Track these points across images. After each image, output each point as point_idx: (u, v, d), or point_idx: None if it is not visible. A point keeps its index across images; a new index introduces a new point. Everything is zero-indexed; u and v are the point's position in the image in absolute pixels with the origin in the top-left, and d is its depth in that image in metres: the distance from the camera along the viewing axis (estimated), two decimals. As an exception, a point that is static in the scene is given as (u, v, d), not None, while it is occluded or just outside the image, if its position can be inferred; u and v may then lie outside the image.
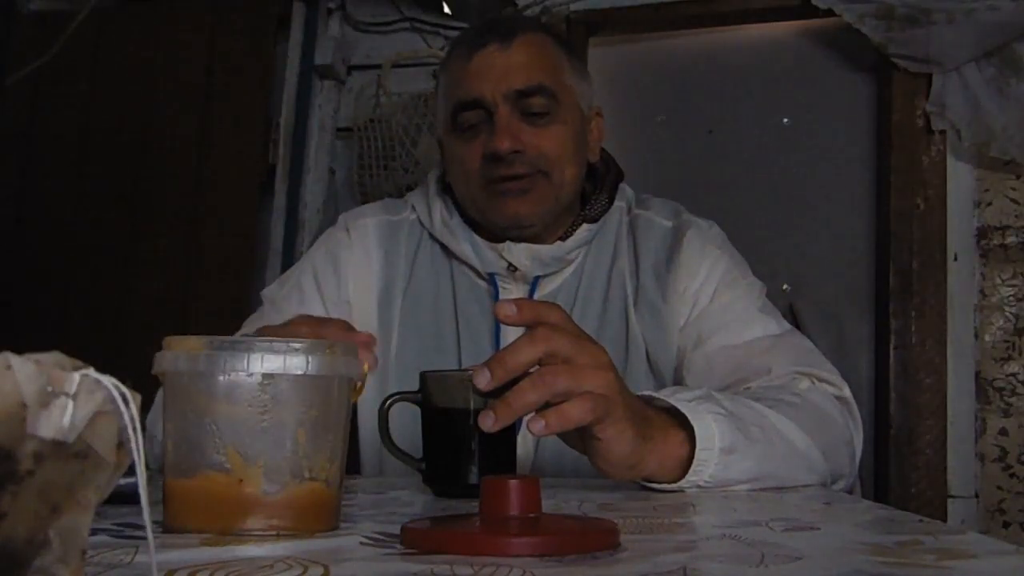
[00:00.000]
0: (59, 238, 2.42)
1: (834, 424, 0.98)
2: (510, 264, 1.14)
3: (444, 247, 1.19)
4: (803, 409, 0.95)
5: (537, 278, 1.14)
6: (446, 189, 1.21)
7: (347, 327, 0.83)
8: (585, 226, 1.16)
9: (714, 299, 1.12)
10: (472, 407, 0.84)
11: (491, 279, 1.15)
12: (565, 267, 1.16)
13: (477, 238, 1.16)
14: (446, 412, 0.85)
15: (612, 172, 1.22)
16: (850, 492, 1.03)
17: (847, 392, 1.03)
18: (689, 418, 0.80)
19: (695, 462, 0.80)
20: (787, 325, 1.13)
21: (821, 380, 1.02)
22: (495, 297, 1.14)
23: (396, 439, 0.88)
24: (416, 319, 1.16)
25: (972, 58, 1.94)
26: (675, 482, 0.81)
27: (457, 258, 1.17)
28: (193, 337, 0.55)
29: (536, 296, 1.14)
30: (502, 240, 1.15)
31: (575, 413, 0.72)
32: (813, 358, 1.06)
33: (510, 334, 1.12)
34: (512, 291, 1.15)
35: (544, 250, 1.14)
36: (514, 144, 1.08)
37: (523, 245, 1.14)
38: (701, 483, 0.81)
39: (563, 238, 1.16)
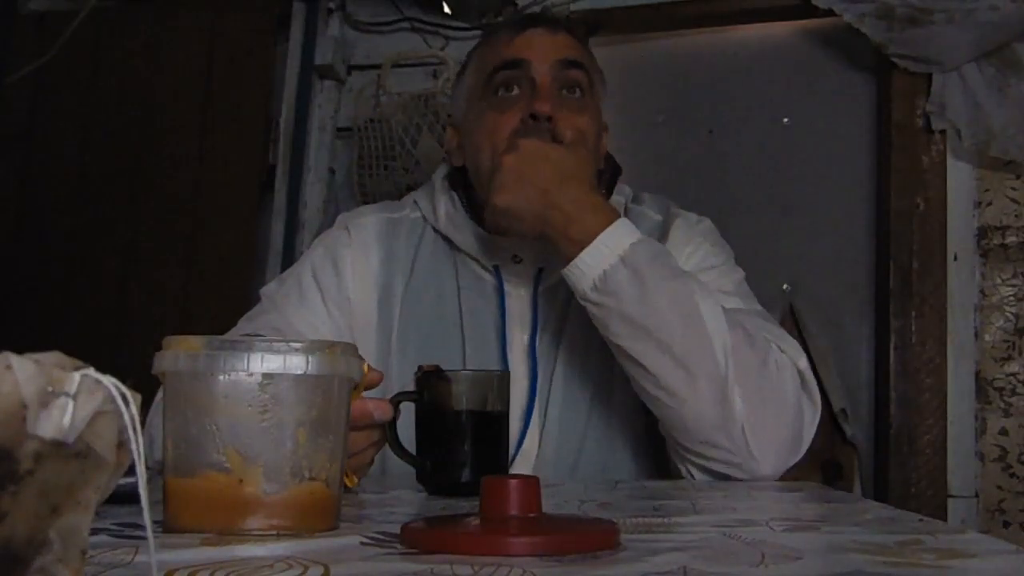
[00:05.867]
0: (59, 238, 2.42)
1: (774, 381, 0.99)
2: (515, 255, 1.15)
3: (448, 242, 1.19)
4: (749, 343, 0.99)
5: (541, 269, 1.15)
6: (452, 186, 1.21)
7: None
8: None
9: None
10: (464, 407, 0.85)
11: (496, 271, 1.15)
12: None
13: (482, 231, 1.16)
14: (439, 411, 0.85)
15: (610, 168, 1.24)
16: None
17: (804, 364, 1.04)
18: (618, 220, 1.00)
19: (603, 236, 0.97)
20: (758, 307, 1.14)
21: (782, 350, 1.03)
22: (500, 289, 1.15)
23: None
24: (418, 315, 1.16)
25: (972, 58, 1.94)
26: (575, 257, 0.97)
27: (461, 252, 1.18)
28: (193, 337, 0.55)
29: (540, 287, 1.15)
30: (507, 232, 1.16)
31: None
32: (779, 332, 1.07)
33: (515, 326, 1.13)
34: (516, 283, 1.16)
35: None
36: (553, 110, 1.11)
37: None
38: (595, 278, 0.97)
39: None
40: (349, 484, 0.77)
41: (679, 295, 0.97)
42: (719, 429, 0.97)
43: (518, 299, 1.15)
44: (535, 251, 1.15)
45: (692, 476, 1.03)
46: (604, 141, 1.23)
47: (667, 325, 0.95)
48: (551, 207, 1.00)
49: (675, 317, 0.96)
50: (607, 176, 1.22)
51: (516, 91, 1.14)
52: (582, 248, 0.98)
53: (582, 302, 1.00)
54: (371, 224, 1.21)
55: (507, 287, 1.15)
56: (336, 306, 1.16)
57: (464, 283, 1.17)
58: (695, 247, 1.16)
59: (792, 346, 1.05)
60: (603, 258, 0.97)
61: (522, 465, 1.08)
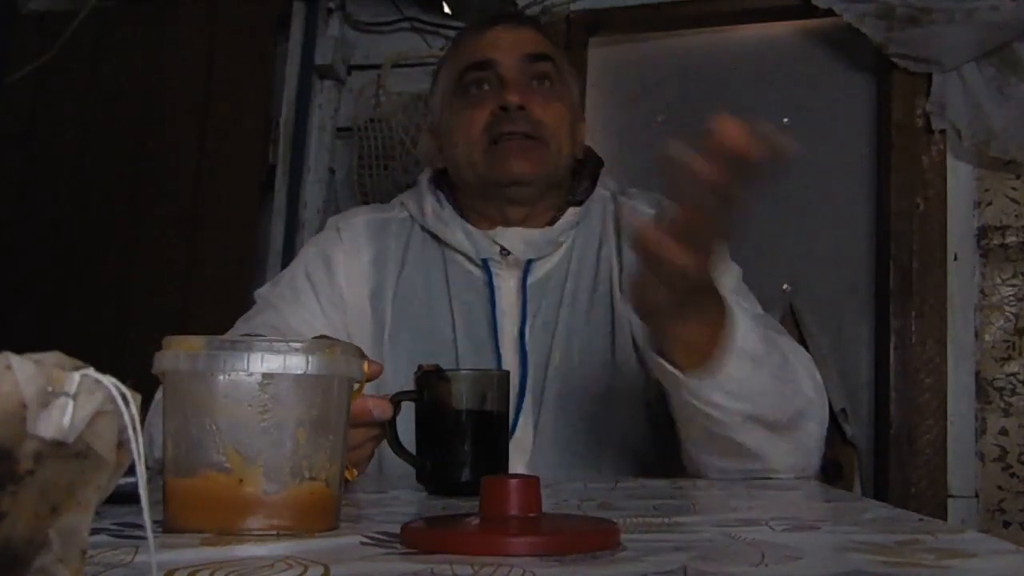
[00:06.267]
0: (59, 238, 2.42)
1: (815, 409, 1.00)
2: (503, 248, 1.16)
3: (436, 239, 1.21)
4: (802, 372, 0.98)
5: (530, 262, 1.17)
6: (438, 186, 1.24)
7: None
8: (571, 209, 1.20)
9: None
10: (464, 406, 0.85)
11: (484, 265, 1.17)
12: (556, 250, 1.19)
13: (469, 226, 1.18)
14: (439, 411, 0.85)
15: (592, 160, 1.26)
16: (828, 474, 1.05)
17: (819, 379, 1.04)
18: (731, 310, 0.85)
19: (737, 337, 0.84)
20: (760, 309, 1.14)
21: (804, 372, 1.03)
22: (489, 284, 1.16)
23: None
24: (409, 312, 1.17)
25: (972, 58, 1.94)
26: (695, 368, 0.85)
27: (450, 247, 1.20)
28: (193, 337, 0.55)
29: (529, 280, 1.16)
30: (494, 227, 1.17)
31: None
32: (793, 346, 1.07)
33: (505, 318, 1.14)
34: (505, 276, 1.17)
35: (536, 233, 1.18)
36: (523, 100, 1.13)
37: (514, 229, 1.18)
38: (722, 379, 0.85)
39: (551, 223, 1.19)
40: (349, 477, 0.78)
41: (786, 376, 0.92)
42: (788, 468, 0.98)
43: (507, 291, 1.17)
44: (523, 243, 1.16)
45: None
46: (582, 131, 1.24)
47: (782, 411, 0.92)
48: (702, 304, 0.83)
49: (788, 403, 0.92)
50: (589, 168, 1.24)
51: (486, 88, 1.17)
52: (708, 354, 0.84)
53: (691, 399, 0.87)
54: (361, 224, 1.23)
55: (496, 281, 1.16)
56: (330, 304, 1.17)
57: (453, 278, 1.19)
58: None
59: (806, 359, 1.05)
60: (740, 363, 0.85)
61: (516, 454, 1.09)
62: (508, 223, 1.18)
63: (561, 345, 1.13)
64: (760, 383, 0.89)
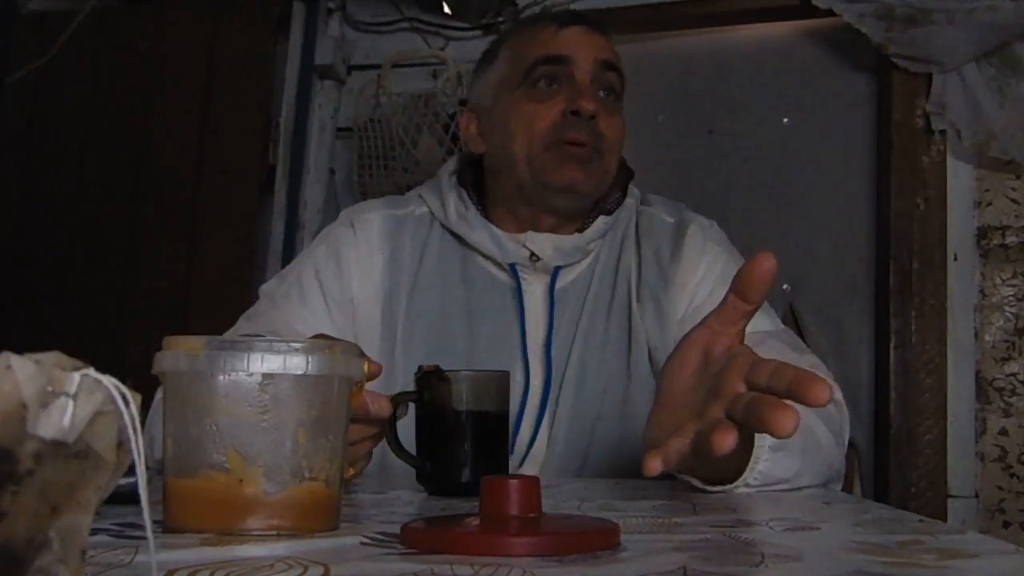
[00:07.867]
0: (59, 238, 2.42)
1: (838, 425, 0.99)
2: (532, 254, 1.14)
3: (459, 240, 1.18)
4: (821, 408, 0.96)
5: (557, 268, 1.15)
6: (460, 183, 1.21)
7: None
8: (602, 218, 1.18)
9: (712, 295, 1.12)
10: (464, 407, 0.85)
11: (512, 269, 1.15)
12: (583, 258, 1.18)
13: (496, 229, 1.16)
14: (439, 411, 0.85)
15: (624, 169, 1.24)
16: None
17: (839, 395, 1.04)
18: None
19: (750, 458, 0.79)
20: (780, 324, 1.14)
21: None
22: (517, 288, 1.14)
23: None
24: (423, 314, 1.15)
25: (972, 58, 1.94)
26: (724, 483, 0.80)
27: (474, 250, 1.17)
28: (193, 337, 0.55)
29: (556, 286, 1.15)
30: (521, 230, 1.16)
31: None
32: (808, 359, 1.06)
33: (532, 325, 1.12)
34: (533, 281, 1.15)
35: (567, 240, 1.16)
36: (597, 108, 1.12)
37: (545, 235, 1.16)
38: (750, 480, 0.80)
39: (580, 230, 1.18)
40: (345, 475, 0.77)
41: (810, 442, 0.89)
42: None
43: (533, 297, 1.15)
44: (553, 249, 1.14)
45: None
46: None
47: (809, 476, 0.90)
48: None
49: (813, 465, 0.90)
50: (621, 177, 1.22)
51: (555, 86, 1.14)
52: (726, 473, 0.81)
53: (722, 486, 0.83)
54: (376, 221, 1.19)
55: (524, 286, 1.14)
56: (338, 306, 1.14)
57: (475, 282, 1.16)
58: (714, 257, 1.15)
59: (824, 374, 1.04)
60: (767, 460, 0.81)
61: (531, 467, 1.08)
62: (538, 228, 1.16)
63: (579, 354, 1.12)
64: (787, 467, 0.84)
